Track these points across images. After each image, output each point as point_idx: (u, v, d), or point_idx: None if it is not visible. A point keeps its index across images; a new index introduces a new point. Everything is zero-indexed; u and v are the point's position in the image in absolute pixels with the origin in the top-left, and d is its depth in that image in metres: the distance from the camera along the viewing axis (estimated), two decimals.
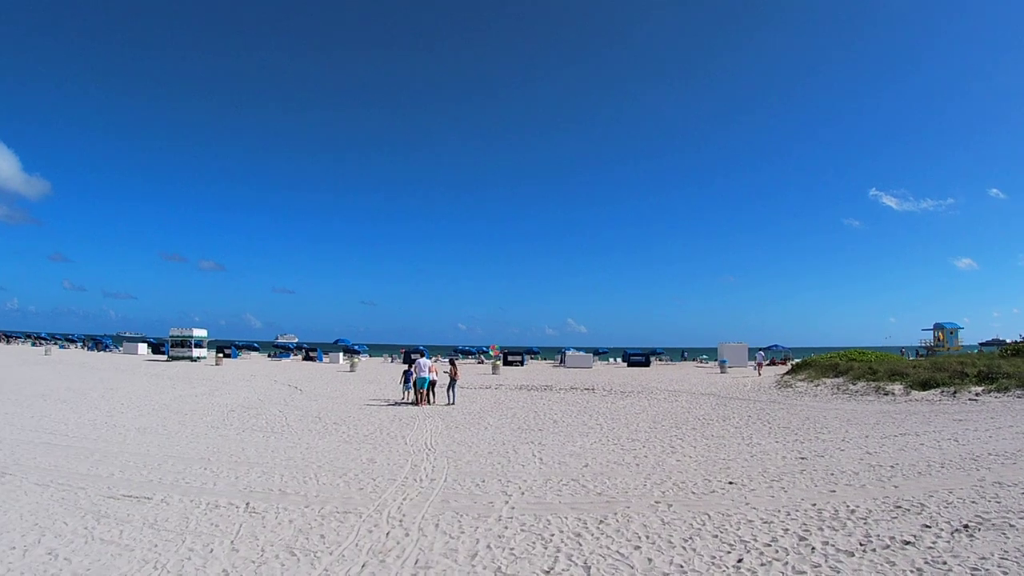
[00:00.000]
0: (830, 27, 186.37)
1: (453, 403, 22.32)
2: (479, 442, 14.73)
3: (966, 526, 7.22)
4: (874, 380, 24.86)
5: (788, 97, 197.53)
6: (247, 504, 8.74)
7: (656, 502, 8.93)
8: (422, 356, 25.35)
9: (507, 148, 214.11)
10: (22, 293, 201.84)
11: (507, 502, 8.99)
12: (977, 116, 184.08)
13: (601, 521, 7.96)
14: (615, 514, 8.30)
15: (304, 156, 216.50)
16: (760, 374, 40.47)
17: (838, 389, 25.28)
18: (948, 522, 7.43)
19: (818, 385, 26.92)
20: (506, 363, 56.87)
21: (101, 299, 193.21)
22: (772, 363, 56.12)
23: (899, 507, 8.27)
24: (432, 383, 22.35)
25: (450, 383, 23.12)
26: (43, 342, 73.35)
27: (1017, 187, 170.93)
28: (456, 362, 25.42)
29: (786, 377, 31.47)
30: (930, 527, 7.28)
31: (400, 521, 7.94)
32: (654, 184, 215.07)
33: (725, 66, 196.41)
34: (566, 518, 8.13)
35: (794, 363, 38.83)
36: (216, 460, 11.99)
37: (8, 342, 75.32)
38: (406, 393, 23.28)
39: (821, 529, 7.40)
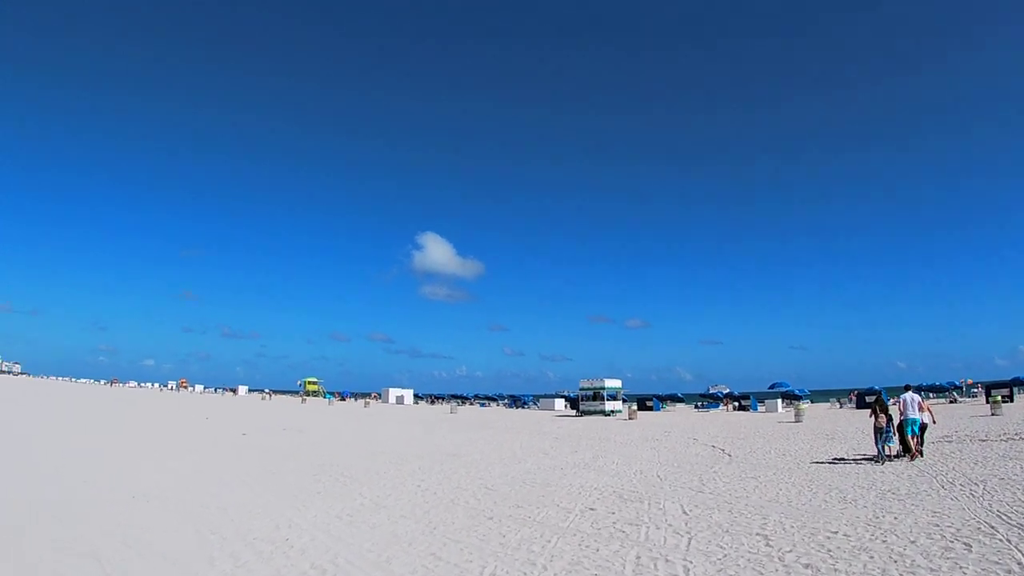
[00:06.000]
0: None
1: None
2: None
3: None
4: None
5: None
6: None
7: None
8: (908, 391, 17.30)
9: None
10: (469, 361, 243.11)
11: None
12: None
13: None
14: None
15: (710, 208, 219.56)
16: None
17: None
18: None
19: None
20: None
21: (539, 362, 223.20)
22: None
23: None
24: (923, 427, 16.76)
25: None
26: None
27: None
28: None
29: None
30: None
31: None
32: None
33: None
34: None
35: None
36: None
37: (432, 403, 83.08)
38: (888, 447, 16.32)
39: None
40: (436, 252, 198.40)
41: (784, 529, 8.76)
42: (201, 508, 10.75)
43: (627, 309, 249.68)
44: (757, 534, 8.53)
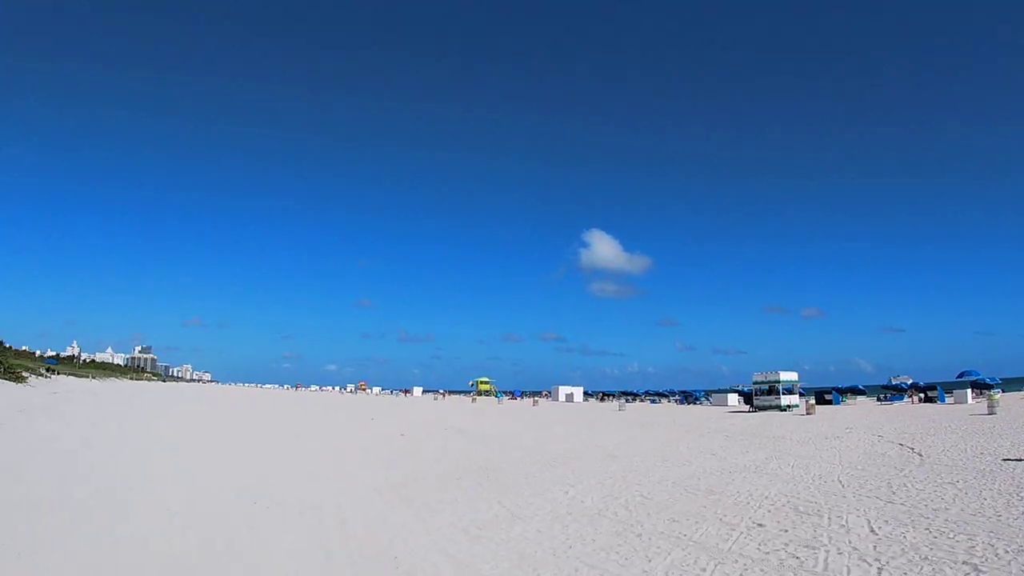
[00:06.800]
0: None
1: None
2: None
3: None
4: None
5: None
6: None
7: None
8: None
9: None
10: (640, 357, 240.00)
11: None
12: None
13: None
14: None
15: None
16: None
17: None
18: None
19: None
20: None
21: (711, 356, 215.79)
22: None
23: None
24: None
25: None
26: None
27: None
28: None
29: None
30: None
31: None
32: None
33: None
34: None
35: None
36: None
37: (602, 399, 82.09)
38: None
39: None
40: (603, 249, 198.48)
41: (997, 555, 6.82)
42: (323, 516, 10.40)
43: (802, 298, 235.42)
44: (964, 563, 6.64)
